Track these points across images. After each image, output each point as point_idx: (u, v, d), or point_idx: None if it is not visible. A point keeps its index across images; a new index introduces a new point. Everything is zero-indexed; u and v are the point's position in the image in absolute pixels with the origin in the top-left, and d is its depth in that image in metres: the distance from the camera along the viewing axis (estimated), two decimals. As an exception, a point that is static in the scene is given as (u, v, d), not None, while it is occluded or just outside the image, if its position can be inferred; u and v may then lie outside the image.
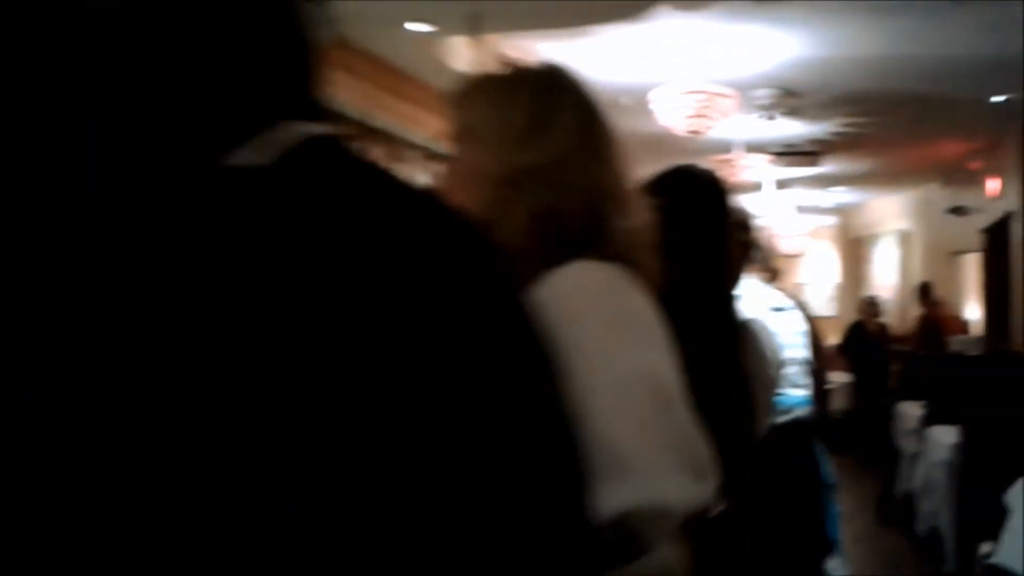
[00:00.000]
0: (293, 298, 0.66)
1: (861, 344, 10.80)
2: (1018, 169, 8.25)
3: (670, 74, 6.42)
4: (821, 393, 3.82)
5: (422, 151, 5.65)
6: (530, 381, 0.75)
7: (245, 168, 0.70)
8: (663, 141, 8.96)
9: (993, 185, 9.21)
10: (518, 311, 0.77)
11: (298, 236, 0.67)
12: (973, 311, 11.16)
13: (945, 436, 5.15)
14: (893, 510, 7.01)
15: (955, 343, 8.39)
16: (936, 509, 5.25)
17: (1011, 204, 8.48)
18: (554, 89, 1.27)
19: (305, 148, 0.73)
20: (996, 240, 8.95)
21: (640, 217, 1.27)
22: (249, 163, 0.70)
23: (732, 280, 1.80)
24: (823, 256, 16.89)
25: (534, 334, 0.80)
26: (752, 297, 2.79)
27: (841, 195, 13.04)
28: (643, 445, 1.03)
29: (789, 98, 7.13)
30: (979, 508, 4.35)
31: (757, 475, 2.15)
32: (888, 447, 7.51)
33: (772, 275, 3.75)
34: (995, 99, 7.29)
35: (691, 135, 6.16)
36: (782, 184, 11.20)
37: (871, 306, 11.10)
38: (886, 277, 12.84)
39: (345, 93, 5.04)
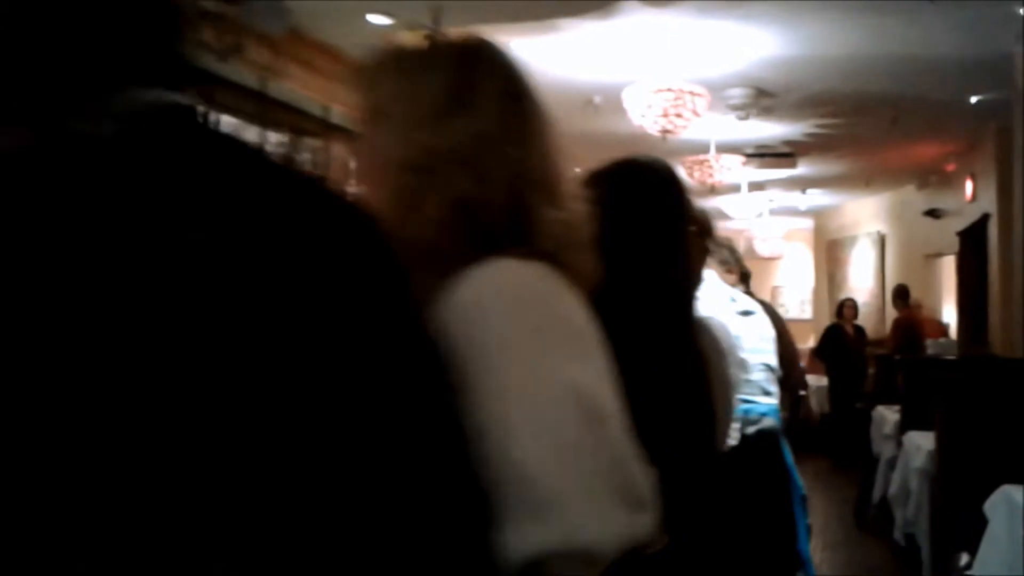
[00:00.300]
0: (107, 298, 0.55)
1: (837, 347, 10.72)
2: (994, 171, 8.17)
3: (643, 73, 6.29)
4: (795, 401, 3.68)
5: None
6: (407, 399, 0.63)
7: (80, 138, 0.61)
8: (639, 142, 8.84)
9: (969, 188, 9.14)
10: (396, 312, 0.65)
11: (128, 221, 0.57)
12: (951, 314, 11.09)
13: (922, 442, 5.03)
14: (870, 516, 6.91)
15: (932, 346, 8.29)
16: (912, 517, 5.12)
17: (987, 206, 8.40)
18: (474, 64, 1.11)
19: (152, 119, 0.62)
20: (972, 243, 8.88)
21: (574, 209, 1.12)
22: (85, 132, 0.61)
23: (690, 282, 1.64)
24: (799, 259, 16.83)
25: (419, 343, 0.70)
26: (717, 301, 2.66)
27: (817, 197, 12.96)
28: (564, 473, 0.88)
29: (763, 98, 7.01)
30: (956, 517, 4.23)
31: (720, 492, 2.00)
32: (865, 451, 7.42)
33: (742, 278, 3.61)
34: (974, 99, 7.20)
35: (663, 135, 6.01)
36: (758, 186, 11.11)
37: (847, 309, 11.02)
38: (862, 280, 12.77)
39: (304, 88, 4.88)
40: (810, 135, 8.65)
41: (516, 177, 1.06)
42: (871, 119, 7.92)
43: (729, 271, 3.39)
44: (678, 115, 5.74)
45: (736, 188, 10.92)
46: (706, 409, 1.51)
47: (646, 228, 1.60)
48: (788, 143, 8.99)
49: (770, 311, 3.46)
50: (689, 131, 8.52)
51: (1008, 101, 6.49)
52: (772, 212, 13.72)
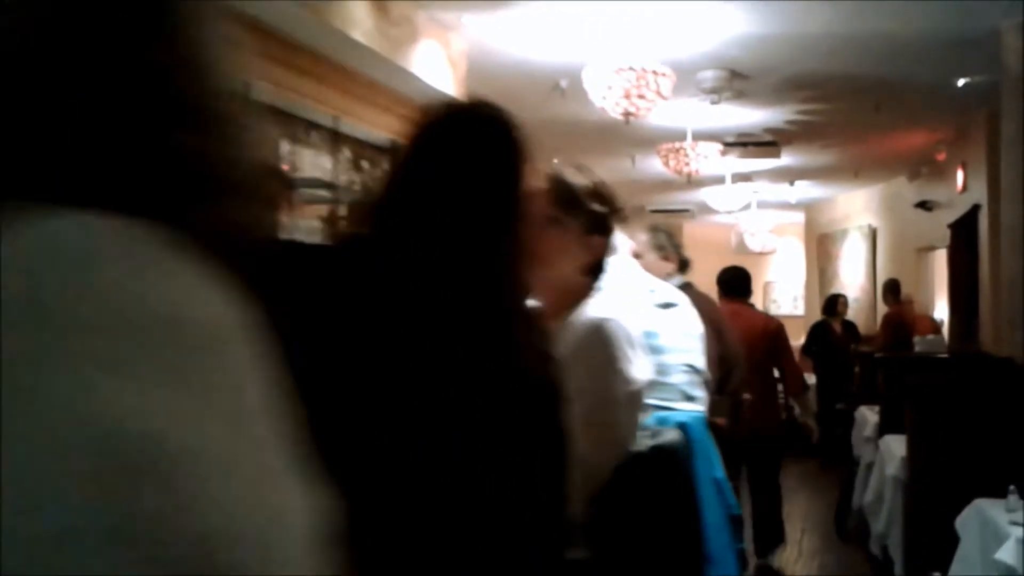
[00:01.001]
0: None
1: (824, 345, 10.36)
2: (984, 160, 7.79)
3: (608, 54, 5.92)
4: (735, 406, 3.31)
5: (326, 132, 5.12)
6: None
7: None
8: (611, 129, 8.46)
9: (960, 178, 8.76)
10: None
11: None
12: (944, 310, 10.72)
13: (896, 447, 4.65)
14: (850, 524, 6.55)
15: (920, 344, 7.91)
16: (884, 529, 4.75)
17: (978, 197, 8.03)
18: None
19: None
20: (964, 235, 8.50)
21: (231, 142, 0.75)
22: None
23: (514, 266, 1.26)
24: (791, 254, 16.45)
25: None
26: (632, 292, 2.29)
27: (807, 189, 12.58)
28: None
29: (737, 80, 6.63)
30: (928, 531, 3.86)
31: (598, 518, 1.64)
32: (849, 454, 7.06)
33: (681, 267, 3.24)
34: (962, 82, 6.82)
35: (626, 118, 5.64)
36: (744, 177, 10.73)
37: (836, 305, 10.64)
38: (853, 274, 12.40)
39: (227, 65, 4.48)
40: (792, 122, 8.27)
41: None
42: (854, 104, 7.54)
43: (665, 258, 3.03)
44: (641, 96, 5.36)
45: (720, 179, 10.56)
46: (520, 425, 1.14)
47: (458, 191, 1.23)
48: (770, 131, 8.62)
49: (705, 303, 3.07)
50: (664, 117, 8.17)
51: (997, 84, 6.12)
52: (761, 205, 13.34)
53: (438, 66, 5.73)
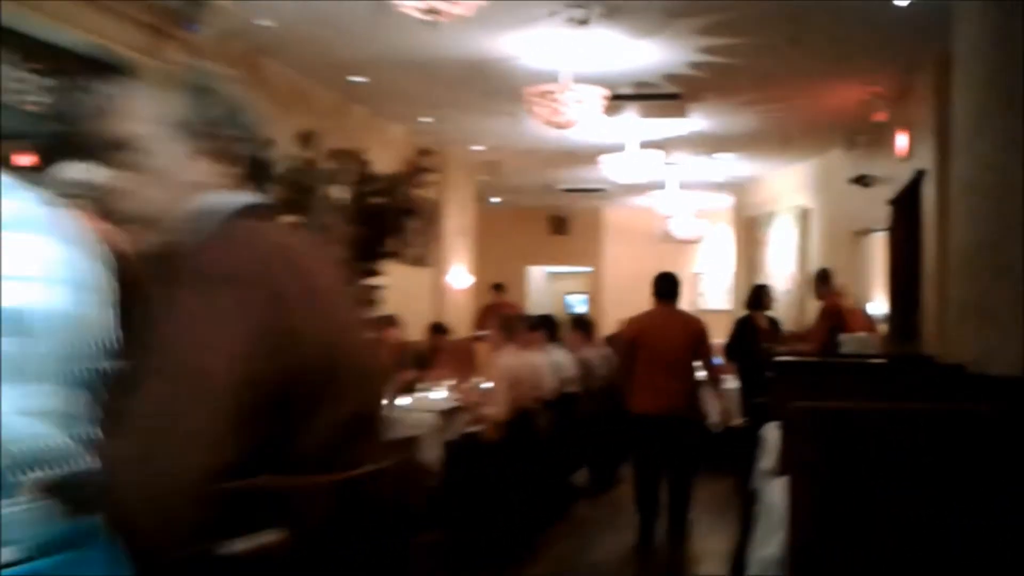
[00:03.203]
0: None
1: (749, 344, 8.79)
2: (932, 115, 6.21)
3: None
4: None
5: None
6: None
7: None
8: (479, 67, 6.79)
9: (903, 142, 7.19)
10: None
11: None
12: (884, 303, 9.18)
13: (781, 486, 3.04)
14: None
15: (848, 343, 6.33)
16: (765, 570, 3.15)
17: (924, 162, 6.45)
18: None
19: None
20: (904, 212, 6.93)
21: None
22: None
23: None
24: (721, 242, 14.90)
25: None
26: None
27: (733, 167, 10.98)
28: None
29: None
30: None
31: None
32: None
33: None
34: (904, 2, 5.21)
35: (431, 18, 3.94)
36: (654, 146, 9.06)
37: (761, 297, 9.05)
38: (783, 263, 10.82)
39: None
40: (695, 65, 6.63)
41: None
42: (769, 41, 5.92)
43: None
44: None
45: (620, 147, 8.91)
46: None
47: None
48: (671, 79, 6.97)
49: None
50: (538, 59, 6.51)
51: (948, 7, 4.53)
52: (684, 186, 11.74)
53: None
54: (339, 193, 4.51)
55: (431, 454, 6.10)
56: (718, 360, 12.68)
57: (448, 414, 6.34)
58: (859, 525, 2.39)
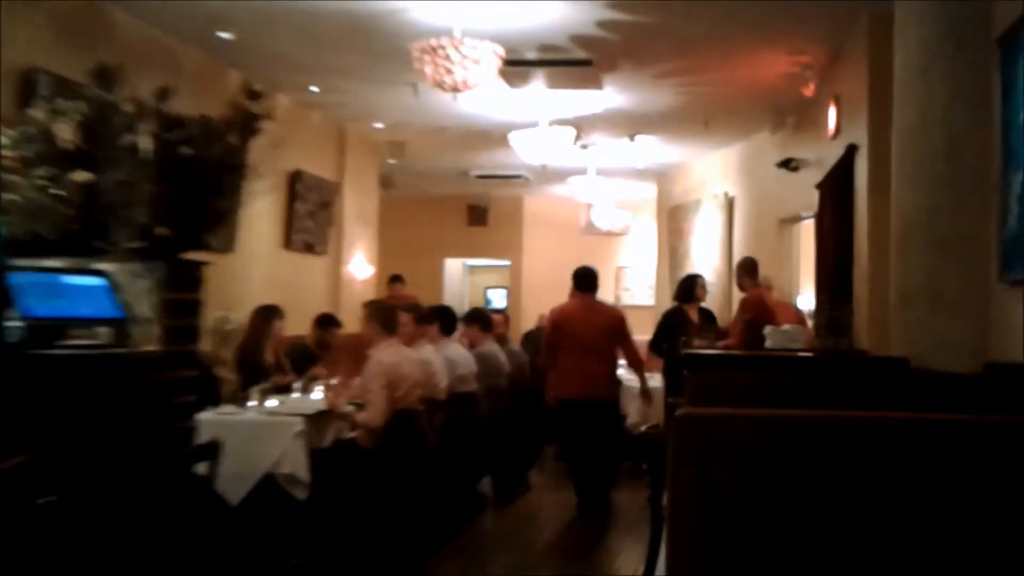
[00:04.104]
0: None
1: (676, 339, 8.12)
2: (865, 83, 5.58)
3: None
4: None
5: None
6: None
7: None
8: (361, 22, 6.00)
9: (833, 117, 6.57)
10: None
11: None
12: (811, 297, 8.60)
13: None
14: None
15: (772, 336, 5.67)
16: None
17: (856, 136, 5.82)
18: None
19: None
20: (833, 194, 6.30)
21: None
22: None
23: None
24: (645, 234, 14.26)
25: None
26: None
27: (656, 151, 10.32)
28: None
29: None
30: None
31: None
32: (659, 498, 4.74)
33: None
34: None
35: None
36: (568, 124, 8.33)
37: (693, 288, 8.39)
38: (706, 253, 10.18)
39: None
40: (604, 24, 5.91)
41: None
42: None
43: None
44: None
45: (532, 124, 8.18)
46: None
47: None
48: (578, 40, 6.24)
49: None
50: (429, 13, 5.74)
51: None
52: (604, 172, 11.05)
53: None
54: (148, 144, 3.70)
55: (295, 465, 5.29)
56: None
57: (318, 419, 5.53)
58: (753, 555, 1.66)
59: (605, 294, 14.70)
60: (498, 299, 17.96)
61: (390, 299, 11.00)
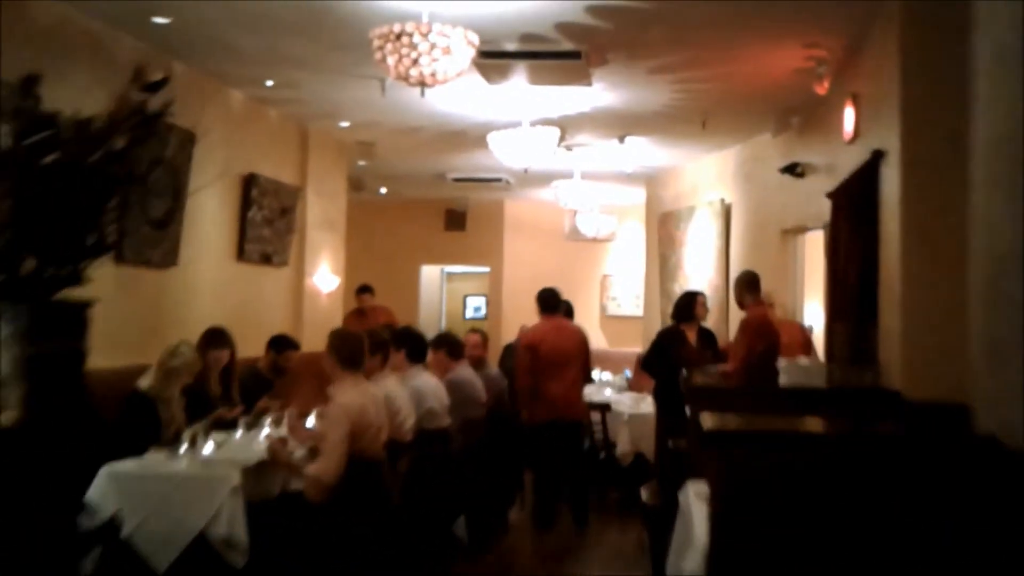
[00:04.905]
0: None
1: (675, 361, 7.39)
2: (896, 80, 4.85)
3: None
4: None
5: None
6: None
7: None
8: (315, 4, 5.23)
9: (849, 119, 5.84)
10: None
11: None
12: (816, 316, 7.89)
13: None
14: None
15: (788, 371, 4.93)
16: None
17: (882, 140, 5.09)
18: None
19: None
20: (853, 204, 5.58)
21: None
22: None
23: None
24: (633, 241, 13.54)
25: None
26: None
27: (647, 153, 9.58)
28: None
29: None
30: None
31: None
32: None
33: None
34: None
35: None
36: (552, 124, 7.58)
37: (692, 306, 7.65)
38: (700, 265, 9.45)
39: None
40: (594, 11, 5.15)
41: None
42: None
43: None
44: None
45: (513, 124, 7.42)
46: None
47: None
48: (564, 29, 5.49)
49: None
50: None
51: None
52: (589, 176, 10.32)
53: None
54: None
55: (231, 525, 4.51)
56: (624, 373, 11.38)
57: (261, 468, 4.75)
58: None
59: (590, 303, 14.02)
60: (477, 307, 17.21)
61: (361, 314, 10.23)
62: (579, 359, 7.19)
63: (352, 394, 4.52)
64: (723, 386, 5.23)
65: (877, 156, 5.08)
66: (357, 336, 4.77)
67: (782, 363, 4.99)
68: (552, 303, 7.24)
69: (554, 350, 7.04)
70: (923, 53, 4.67)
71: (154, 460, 4.61)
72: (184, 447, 4.71)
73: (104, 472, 4.50)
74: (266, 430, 5.32)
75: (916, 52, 4.69)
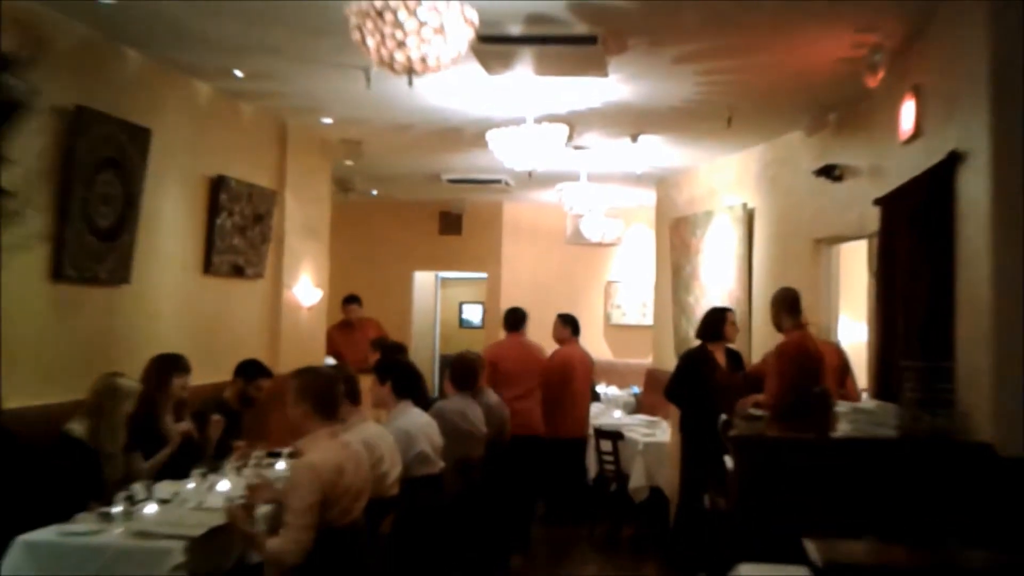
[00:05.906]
0: None
1: (703, 386, 6.64)
2: (982, 68, 4.04)
3: None
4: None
5: None
6: None
7: None
8: None
9: (909, 114, 5.04)
10: None
11: None
12: (853, 334, 7.07)
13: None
14: None
15: (849, 418, 4.10)
16: None
17: (959, 140, 4.27)
18: None
19: None
20: (912, 214, 4.78)
21: None
22: None
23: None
24: (640, 246, 12.73)
25: None
26: None
27: (660, 153, 8.77)
28: None
29: None
30: None
31: None
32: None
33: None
34: None
35: None
36: (559, 120, 6.74)
37: (722, 324, 6.86)
38: (719, 277, 8.63)
39: None
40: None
41: None
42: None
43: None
44: None
45: (516, 121, 6.58)
46: None
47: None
48: (579, 11, 4.66)
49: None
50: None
51: None
52: (596, 178, 9.49)
53: None
54: None
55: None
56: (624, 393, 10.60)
57: (210, 538, 3.92)
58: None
59: (593, 311, 13.21)
60: (474, 314, 16.42)
61: (349, 327, 9.42)
62: (538, 377, 7.71)
63: (328, 451, 3.70)
64: (771, 436, 4.42)
65: (953, 158, 4.26)
66: (333, 379, 3.93)
67: (843, 407, 4.16)
68: (515, 322, 7.83)
69: (515, 368, 7.49)
70: (1019, 39, 3.87)
71: (81, 527, 3.79)
72: (118, 509, 3.88)
73: (20, 543, 3.70)
74: (224, 483, 4.49)
75: (1009, 37, 3.89)
